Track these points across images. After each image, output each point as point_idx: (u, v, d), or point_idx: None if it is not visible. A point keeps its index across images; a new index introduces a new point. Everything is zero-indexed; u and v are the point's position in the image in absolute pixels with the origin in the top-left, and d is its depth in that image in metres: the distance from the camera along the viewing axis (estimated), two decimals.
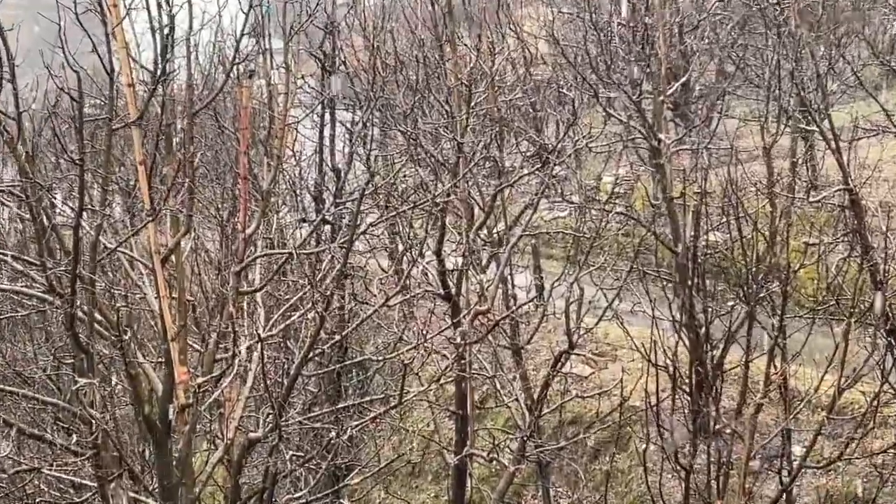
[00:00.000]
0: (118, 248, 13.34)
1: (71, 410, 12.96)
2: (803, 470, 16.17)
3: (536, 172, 20.46)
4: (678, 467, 14.83)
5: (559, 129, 24.08)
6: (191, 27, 13.56)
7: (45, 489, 13.92)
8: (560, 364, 17.38)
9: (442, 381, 17.46)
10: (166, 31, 12.74)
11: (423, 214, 17.60)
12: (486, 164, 19.71)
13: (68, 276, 11.96)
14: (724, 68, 28.43)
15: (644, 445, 15.86)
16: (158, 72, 12.70)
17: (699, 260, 17.52)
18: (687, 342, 17.43)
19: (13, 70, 11.36)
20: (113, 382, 13.82)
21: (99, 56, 12.21)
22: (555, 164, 21.12)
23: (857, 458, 17.34)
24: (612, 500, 16.49)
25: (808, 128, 20.58)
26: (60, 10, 12.30)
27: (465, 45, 20.26)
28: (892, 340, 16.52)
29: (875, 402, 15.78)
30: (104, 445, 12.92)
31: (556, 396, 18.71)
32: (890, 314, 16.52)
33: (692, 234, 17.67)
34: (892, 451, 17.91)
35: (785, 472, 15.78)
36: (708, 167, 19.54)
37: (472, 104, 18.03)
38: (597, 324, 17.74)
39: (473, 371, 17.30)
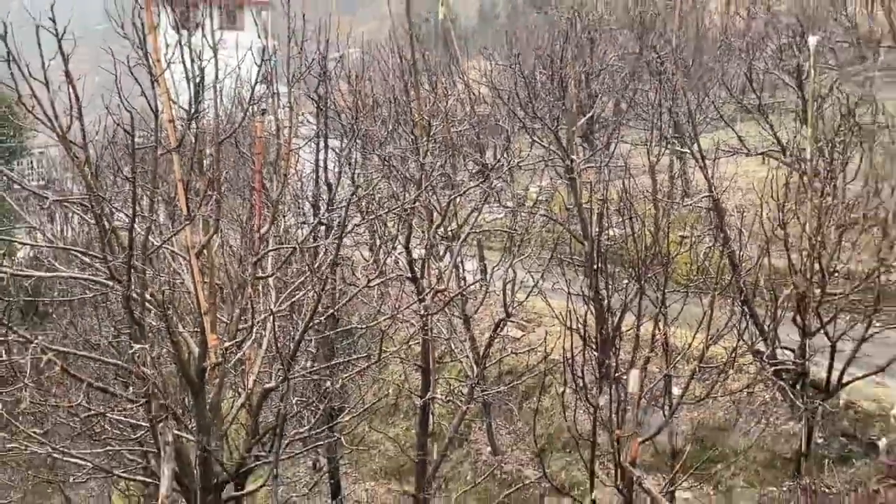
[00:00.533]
0: (163, 245, 13.23)
1: (128, 369, 12.85)
2: (680, 405, 16.31)
3: (479, 185, 20.52)
4: (588, 405, 14.88)
5: (496, 152, 24.11)
6: (216, 77, 13.49)
7: (109, 429, 13.80)
8: (499, 329, 17.38)
9: (410, 342, 17.52)
10: (197, 80, 12.66)
11: (395, 217, 17.58)
12: (442, 179, 19.72)
13: (124, 266, 11.85)
14: (619, 106, 28.58)
15: (562, 389, 15.95)
16: (192, 111, 12.62)
17: (602, 250, 17.61)
18: (593, 311, 17.52)
19: (80, 110, 11.22)
20: (160, 347, 13.68)
21: (146, 99, 12.11)
22: (493, 179, 21.22)
23: (720, 396, 17.59)
24: (538, 431, 16.54)
25: (682, 150, 20.73)
26: (117, 64, 12.20)
27: (426, 89, 20.25)
28: (745, 308, 16.70)
29: (733, 354, 15.98)
30: (154, 395, 12.81)
31: (497, 353, 18.75)
32: (742, 289, 16.68)
33: (596, 230, 17.76)
34: (746, 389, 18.23)
35: (667, 408, 15.89)
36: (608, 180, 19.65)
37: (431, 134, 18.04)
38: (526, 298, 17.75)
39: (434, 335, 17.31)
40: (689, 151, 20.29)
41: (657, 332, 15.76)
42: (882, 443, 16.30)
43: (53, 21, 10.65)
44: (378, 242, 19.22)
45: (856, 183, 17.12)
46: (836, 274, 16.85)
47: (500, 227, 23.69)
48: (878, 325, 16.61)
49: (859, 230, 16.87)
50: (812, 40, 23.79)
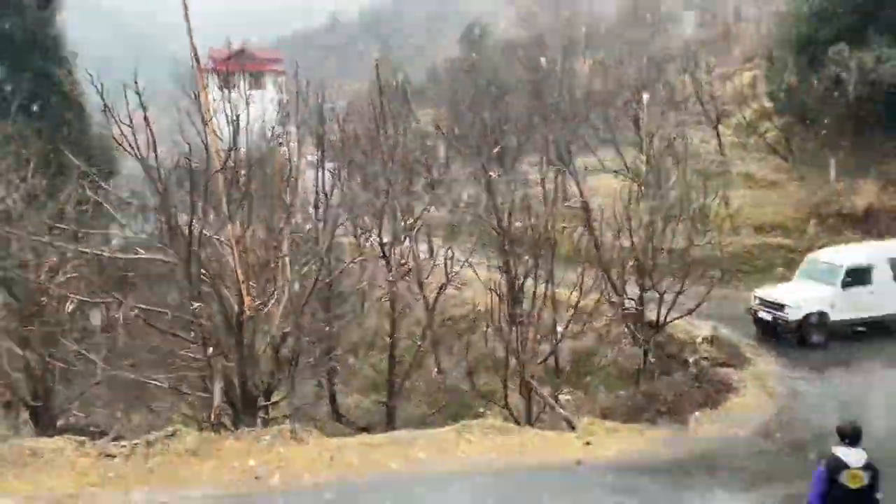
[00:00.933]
0: (212, 236, 13.12)
1: (190, 320, 12.75)
2: (563, 339, 16.61)
3: (428, 193, 20.63)
4: (502, 340, 15.13)
5: (439, 170, 24.18)
6: (248, 121, 13.36)
7: (179, 362, 13.66)
8: (443, 289, 17.56)
9: (382, 300, 17.60)
10: (234, 123, 12.53)
11: (371, 215, 17.60)
12: (402, 189, 19.71)
13: (186, 251, 11.75)
14: (520, 139, 28.67)
15: (485, 329, 16.13)
16: (231, 145, 12.49)
17: (510, 236, 17.66)
18: (505, 278, 17.63)
19: (155, 144, 11.09)
20: (211, 307, 13.56)
21: (200, 136, 11.97)
22: (437, 189, 21.30)
23: (588, 332, 17.94)
24: (469, 358, 16.63)
25: (562, 169, 20.97)
26: (180, 112, 12.05)
27: (392, 127, 20.18)
28: (604, 274, 16.96)
29: (597, 303, 16.36)
30: (208, 338, 12.73)
31: (441, 306, 18.87)
32: (602, 261, 16.90)
33: (507, 222, 17.78)
34: (604, 327, 18.50)
35: (553, 340, 16.18)
36: (514, 189, 19.77)
37: (395, 159, 18.07)
38: (460, 269, 17.94)
39: (398, 295, 17.41)
40: (566, 170, 20.52)
41: (547, 291, 16.05)
42: (691, 360, 16.67)
43: (136, 83, 10.51)
44: (359, 232, 19.19)
45: (674, 191, 17.43)
46: (662, 250, 17.10)
47: (442, 222, 23.83)
48: (688, 283, 17.05)
49: (677, 221, 17.14)
50: (645, 97, 24.30)
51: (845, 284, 17.63)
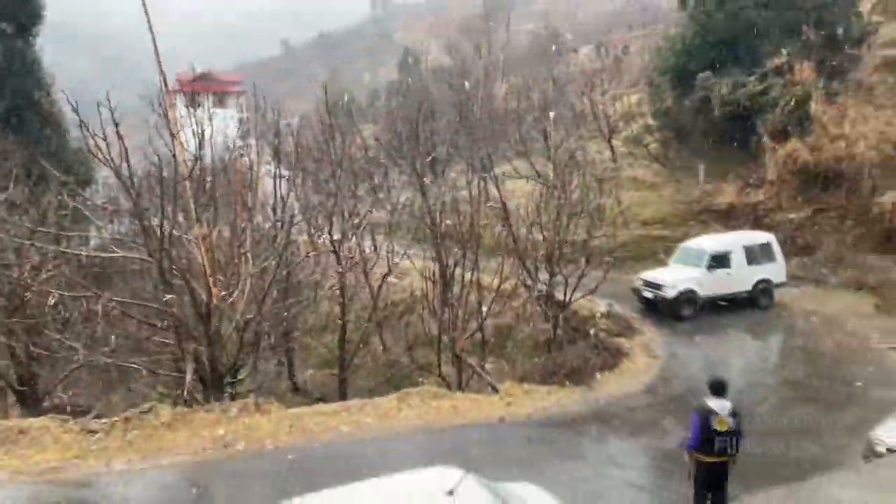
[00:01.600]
0: (182, 235, 12.70)
1: (163, 309, 12.33)
2: (487, 317, 16.79)
3: (370, 196, 20.44)
4: (436, 320, 15.19)
5: (380, 177, 24.01)
6: (212, 135, 12.97)
7: (154, 346, 13.18)
8: (385, 278, 17.48)
9: (333, 288, 17.39)
10: (200, 136, 12.15)
11: (323, 215, 17.34)
12: (349, 193, 19.47)
13: (159, 249, 11.34)
14: (449, 150, 28.68)
15: (422, 311, 16.19)
16: (196, 155, 12.11)
17: (442, 232, 17.68)
18: (438, 267, 17.69)
19: (128, 156, 10.64)
20: (182, 298, 13.13)
21: (168, 148, 11.55)
22: (378, 193, 21.15)
23: (508, 310, 18.17)
24: (409, 334, 16.64)
25: (484, 175, 21.10)
26: (148, 127, 11.59)
27: (339, 140, 19.89)
28: (520, 262, 17.21)
29: (514, 287, 16.61)
30: (180, 325, 12.35)
31: (384, 292, 18.77)
32: (518, 251, 17.11)
33: (439, 221, 17.74)
34: (521, 307, 18.72)
35: (479, 319, 16.33)
36: (444, 193, 19.78)
37: (342, 167, 17.82)
38: (400, 260, 17.90)
39: (348, 284, 17.24)
40: (488, 176, 20.69)
41: (473, 277, 16.19)
42: (591, 332, 17.08)
43: (108, 101, 10.05)
44: (312, 231, 18.89)
45: (576, 193, 17.85)
46: (567, 242, 17.47)
47: (383, 221, 23.69)
48: (588, 268, 17.45)
49: (578, 217, 17.54)
50: (551, 114, 24.76)
51: (710, 267, 18.43)
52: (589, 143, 29.16)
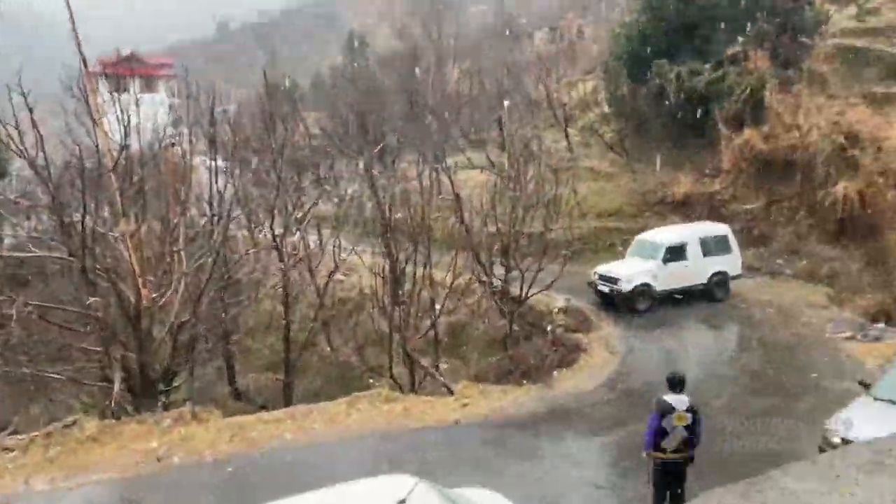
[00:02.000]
0: (106, 232, 12.25)
1: (87, 313, 11.88)
2: (440, 314, 16.81)
3: (316, 188, 20.18)
4: (387, 318, 15.13)
5: (326, 168, 23.70)
6: (139, 122, 12.55)
7: (78, 353, 12.67)
8: (332, 275, 17.32)
9: (276, 287, 17.11)
10: (125, 123, 11.74)
11: (264, 209, 17.03)
12: (292, 185, 19.16)
13: (81, 247, 10.90)
14: (399, 139, 28.60)
15: (372, 309, 16.08)
16: (123, 143, 11.69)
17: (391, 225, 17.60)
18: (388, 262, 17.60)
19: (43, 146, 10.17)
20: (108, 300, 12.67)
21: (90, 137, 11.11)
22: (324, 184, 20.90)
23: (462, 307, 18.25)
24: (358, 335, 16.53)
25: (436, 165, 21.10)
26: (66, 113, 11.12)
27: (281, 128, 19.55)
28: (474, 256, 17.29)
29: (468, 282, 16.69)
30: (105, 330, 11.93)
31: (331, 290, 18.58)
32: (472, 245, 17.21)
33: (389, 213, 17.65)
34: (476, 303, 18.84)
35: (432, 317, 16.34)
36: (394, 184, 19.69)
37: (284, 156, 17.53)
38: (348, 256, 17.75)
39: (292, 281, 17.01)
40: (440, 167, 20.70)
41: (425, 273, 16.18)
42: (549, 328, 17.34)
43: (20, 85, 9.57)
44: (253, 226, 18.52)
45: (531, 183, 18.06)
46: (523, 234, 17.67)
47: (332, 213, 23.36)
48: (545, 262, 17.69)
49: (534, 209, 17.73)
50: (506, 102, 24.99)
51: (665, 260, 18.90)
52: (545, 132, 29.55)
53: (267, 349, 19.72)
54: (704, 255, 19.41)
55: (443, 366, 17.13)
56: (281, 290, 16.75)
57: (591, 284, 19.57)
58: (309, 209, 18.71)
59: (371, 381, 16.45)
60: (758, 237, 23.09)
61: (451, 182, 18.88)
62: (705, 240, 19.58)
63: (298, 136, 22.26)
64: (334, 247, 17.47)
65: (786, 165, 23.42)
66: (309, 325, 17.23)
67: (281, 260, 16.25)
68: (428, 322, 16.36)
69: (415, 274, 15.68)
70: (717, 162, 25.47)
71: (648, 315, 18.50)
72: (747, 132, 23.97)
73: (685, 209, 24.94)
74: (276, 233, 16.62)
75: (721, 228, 20.43)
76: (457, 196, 18.31)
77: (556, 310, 18.36)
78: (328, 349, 19.39)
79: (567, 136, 30.04)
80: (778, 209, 23.59)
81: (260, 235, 16.68)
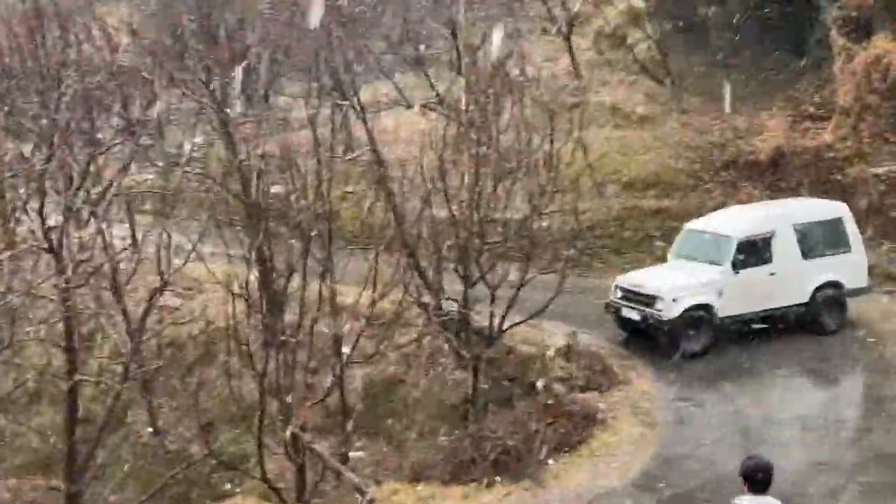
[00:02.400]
0: None
1: None
2: (351, 364, 16.68)
3: (125, 142, 19.79)
4: (255, 372, 14.94)
5: (143, 106, 23.25)
6: None
7: None
8: (155, 298, 16.99)
9: (50, 321, 16.63)
10: None
11: (25, 181, 16.55)
12: (80, 136, 18.72)
13: None
14: (276, 56, 28.30)
15: (228, 357, 15.82)
16: None
17: (264, 208, 17.45)
18: (257, 274, 17.41)
19: None
20: None
21: None
22: (140, 135, 20.49)
23: (389, 350, 18.17)
24: (204, 404, 16.28)
25: (342, 102, 21.02)
26: None
27: (54, 35, 19.07)
28: (410, 261, 17.30)
29: (401, 305, 16.62)
30: None
31: (154, 325, 18.20)
32: (406, 242, 17.23)
33: (258, 187, 17.49)
34: (413, 342, 18.85)
35: (337, 367, 16.21)
36: (267, 134, 19.48)
37: (62, 86, 17.09)
38: (184, 264, 17.45)
39: (79, 310, 16.57)
40: (349, 104, 20.60)
41: (325, 290, 16.00)
42: (540, 384, 17.45)
43: None
44: (9, 210, 17.98)
45: (508, 133, 18.10)
46: (494, 223, 17.78)
47: (151, 189, 22.80)
48: (533, 270, 17.75)
49: (513, 179, 17.82)
50: None
51: (737, 265, 19.25)
52: (532, 43, 29.69)
53: (35, 434, 19.19)
54: (805, 255, 19.90)
55: (356, 454, 17.08)
56: (61, 325, 16.27)
57: (611, 307, 19.85)
58: (112, 182, 18.31)
59: (229, 485, 16.17)
60: None
61: (369, 130, 18.80)
62: (806, 229, 20.08)
63: (93, 48, 21.67)
64: (160, 247, 17.14)
65: None
66: (114, 387, 16.83)
67: (60, 271, 15.77)
68: (329, 377, 16.21)
69: (305, 292, 15.51)
70: (828, 95, 26.09)
71: (709, 359, 18.84)
72: (880, 42, 24.52)
73: (774, 175, 25.51)
74: (50, 222, 16.14)
75: (833, 209, 20.94)
76: (378, 156, 18.23)
77: (552, 352, 18.51)
78: (150, 430, 19.06)
79: (571, 49, 30.25)
80: None
81: (20, 228, 16.21)
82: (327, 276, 16.15)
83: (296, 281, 16.43)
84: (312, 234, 16.43)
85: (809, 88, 26.82)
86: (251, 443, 15.51)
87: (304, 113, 19.71)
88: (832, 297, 19.99)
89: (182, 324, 19.54)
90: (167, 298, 18.87)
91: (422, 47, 28.18)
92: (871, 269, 20.91)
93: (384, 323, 16.99)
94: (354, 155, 19.82)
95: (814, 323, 19.84)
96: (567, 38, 30.18)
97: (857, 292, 20.35)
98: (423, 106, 24.54)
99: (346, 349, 16.57)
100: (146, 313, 16.66)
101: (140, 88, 23.10)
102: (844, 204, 21.27)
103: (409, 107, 24.54)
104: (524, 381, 18.02)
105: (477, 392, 17.30)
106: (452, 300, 17.82)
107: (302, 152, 18.05)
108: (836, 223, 20.35)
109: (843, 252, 20.17)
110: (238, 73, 22.61)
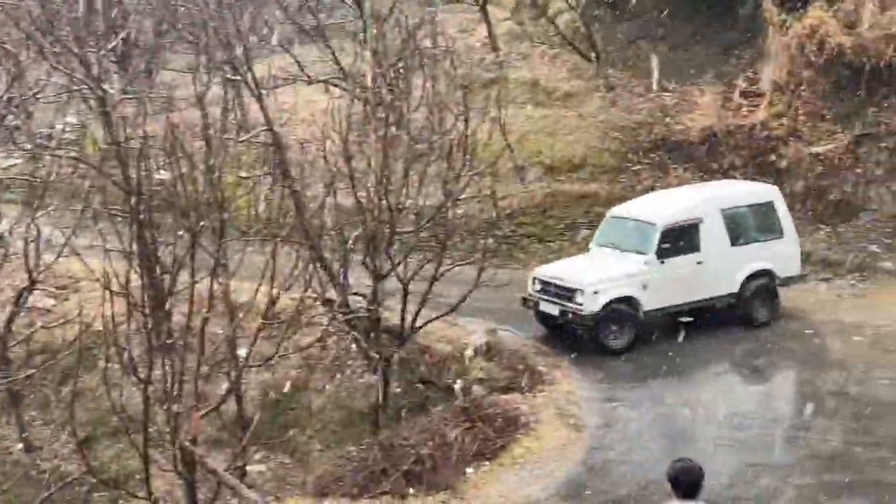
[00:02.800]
0: None
1: None
2: (248, 369, 16.46)
3: None
4: (137, 379, 14.65)
5: (7, 82, 22.63)
6: None
7: None
8: (23, 299, 16.63)
9: None
10: None
11: None
12: None
13: None
14: (161, 26, 27.82)
15: (107, 363, 15.46)
16: None
17: (147, 197, 17.13)
18: (140, 270, 17.05)
19: None
20: None
21: None
22: (4, 115, 19.92)
23: (290, 353, 17.96)
24: (82, 417, 15.94)
25: (235, 77, 20.70)
26: None
27: None
28: (313, 254, 17.12)
29: (300, 306, 16.45)
30: None
31: (23, 330, 17.80)
32: (308, 232, 17.06)
33: (140, 173, 17.17)
34: (317, 343, 18.68)
35: (231, 372, 15.98)
36: (150, 114, 19.12)
37: None
38: (56, 260, 17.11)
39: None
40: (243, 80, 20.27)
41: (216, 287, 15.75)
42: (457, 386, 17.45)
43: None
44: None
45: (420, 112, 18.05)
46: (406, 210, 17.70)
47: (17, 176, 22.17)
48: (448, 262, 17.82)
49: (426, 162, 17.77)
50: None
51: (662, 253, 19.48)
52: (445, 12, 29.56)
53: None
54: (734, 241, 20.26)
55: (255, 468, 17.00)
56: None
57: (530, 301, 19.99)
58: None
59: None
60: (835, 206, 24.30)
61: (266, 111, 18.57)
62: (735, 214, 20.41)
63: None
64: (28, 241, 16.75)
65: (886, 74, 24.36)
66: None
67: None
68: (224, 383, 15.98)
69: (194, 291, 15.25)
70: (762, 70, 26.49)
71: (636, 356, 19.08)
72: (816, 13, 24.76)
73: (707, 156, 25.90)
74: None
75: (764, 192, 21.43)
76: (275, 137, 18.01)
77: (470, 352, 18.62)
78: (20, 447, 18.62)
79: (487, 19, 30.26)
80: (874, 152, 24.72)
81: None
82: (220, 271, 15.96)
83: (184, 277, 16.21)
84: (202, 224, 16.20)
85: (742, 63, 27.22)
86: (135, 458, 15.23)
87: (192, 90, 19.31)
88: (763, 287, 20.38)
89: (55, 327, 19.10)
90: (38, 299, 18.58)
91: (323, 17, 28.03)
92: (807, 256, 21.45)
93: (284, 322, 16.84)
94: (249, 136, 19.49)
95: (745, 315, 20.24)
96: (483, 8, 30.18)
97: (790, 281, 20.83)
98: (326, 82, 24.38)
99: (242, 352, 16.39)
100: (13, 316, 16.32)
101: (3, 62, 22.51)
102: (775, 187, 21.80)
103: (310, 83, 24.25)
104: (440, 384, 18.06)
105: (388, 397, 17.28)
106: (360, 296, 17.72)
107: (190, 134, 17.77)
108: (768, 207, 20.77)
109: (775, 238, 20.61)
110: (117, 44, 22.15)
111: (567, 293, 19.20)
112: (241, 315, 16.15)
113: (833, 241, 23.47)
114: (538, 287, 19.78)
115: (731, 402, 17.74)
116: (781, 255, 20.55)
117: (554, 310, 19.46)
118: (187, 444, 14.59)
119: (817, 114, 25.13)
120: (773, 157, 24.94)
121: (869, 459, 15.14)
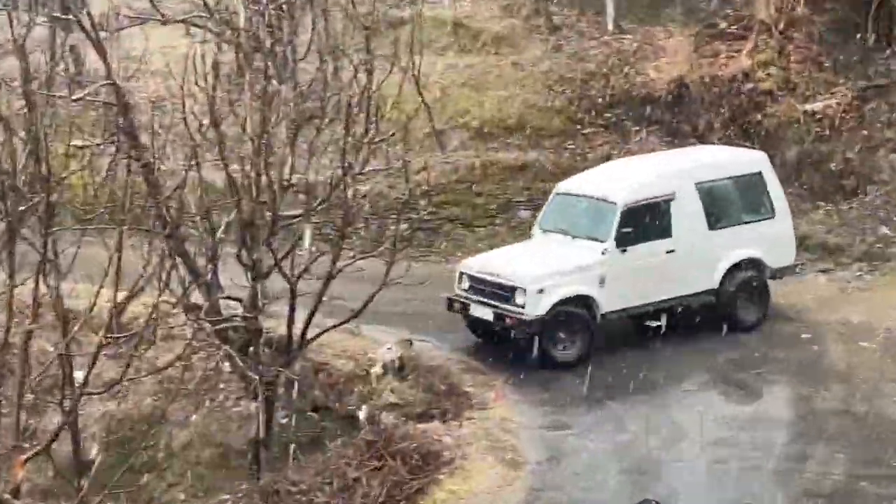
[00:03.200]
0: None
1: None
2: (86, 396, 16.21)
3: None
4: None
5: None
6: None
7: None
8: None
9: None
10: None
11: None
12: None
13: None
14: None
15: None
16: None
17: None
18: None
19: None
20: None
21: None
22: None
23: (143, 375, 17.72)
24: None
25: (66, 17, 20.35)
26: None
27: None
28: (171, 246, 16.88)
29: (154, 314, 16.18)
30: None
31: None
32: (165, 218, 16.83)
33: None
34: (179, 362, 18.48)
35: (63, 403, 15.74)
36: None
37: None
38: None
39: None
40: (75, 19, 19.95)
41: (41, 292, 15.49)
42: (362, 413, 17.51)
43: None
44: None
45: (309, 61, 17.94)
46: (292, 188, 17.59)
47: None
48: (349, 254, 17.81)
49: (319, 126, 17.64)
50: None
51: (622, 240, 19.64)
52: None
53: None
54: (713, 224, 20.52)
55: None
56: None
57: (456, 303, 20.03)
58: None
59: None
60: (836, 177, 24.71)
61: (107, 60, 18.26)
62: (714, 189, 20.65)
63: None
64: None
65: None
66: None
67: None
68: (57, 416, 15.86)
69: (13, 295, 14.98)
70: (744, 6, 26.81)
71: (590, 370, 19.07)
72: None
73: (675, 116, 26.24)
74: None
75: (750, 160, 21.72)
76: (120, 92, 17.77)
77: (378, 369, 18.72)
78: None
79: None
80: (881, 110, 25.29)
81: None
82: (48, 269, 15.69)
83: (0, 277, 15.91)
84: (24, 208, 15.92)
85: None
86: None
87: (10, 33, 18.99)
88: (750, 281, 20.63)
89: None
90: None
91: None
92: (802, 241, 21.61)
93: (135, 335, 16.64)
94: (85, 93, 19.11)
95: (727, 316, 20.41)
96: None
97: (782, 272, 21.06)
98: (185, 21, 24.13)
99: (79, 375, 16.18)
100: None
101: None
102: (764, 154, 21.98)
103: (166, 23, 23.88)
104: (340, 411, 18.08)
105: (272, 429, 17.22)
106: (234, 300, 17.55)
107: (6, 89, 17.48)
108: (754, 180, 20.98)
109: (764, 219, 20.87)
110: None
111: (503, 292, 19.25)
112: (76, 327, 15.90)
113: (834, 221, 23.81)
114: (466, 285, 19.83)
115: (710, 427, 17.79)
116: (772, 240, 20.78)
117: (487, 314, 19.48)
118: (7, 496, 14.37)
119: (814, 60, 25.38)
120: (759, 117, 25.24)
121: (879, 496, 15.30)
